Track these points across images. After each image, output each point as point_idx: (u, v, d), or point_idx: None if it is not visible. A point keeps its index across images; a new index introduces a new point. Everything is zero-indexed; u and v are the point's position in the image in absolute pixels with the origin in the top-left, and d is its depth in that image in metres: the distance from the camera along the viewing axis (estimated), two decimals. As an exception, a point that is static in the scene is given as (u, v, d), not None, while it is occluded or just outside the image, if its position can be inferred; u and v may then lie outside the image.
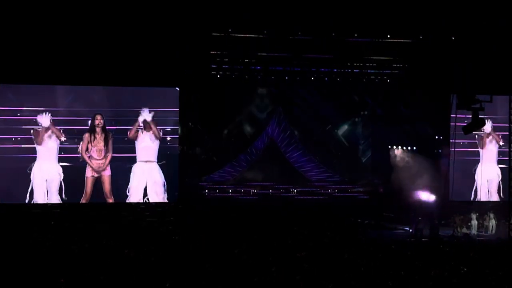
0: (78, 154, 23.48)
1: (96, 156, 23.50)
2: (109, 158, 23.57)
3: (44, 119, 23.14)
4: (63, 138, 23.32)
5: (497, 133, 25.40)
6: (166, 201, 23.93)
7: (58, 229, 20.69)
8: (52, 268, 13.62)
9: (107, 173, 23.65)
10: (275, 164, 27.52)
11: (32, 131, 23.11)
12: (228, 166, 27.31)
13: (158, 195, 23.90)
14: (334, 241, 18.71)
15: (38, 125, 23.14)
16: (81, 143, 23.46)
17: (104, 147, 23.50)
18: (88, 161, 23.47)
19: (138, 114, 23.73)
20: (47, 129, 23.15)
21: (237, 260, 15.03)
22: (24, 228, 20.41)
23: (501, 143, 25.33)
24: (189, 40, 22.87)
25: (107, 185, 23.65)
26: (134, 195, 23.81)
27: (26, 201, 23.02)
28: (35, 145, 23.15)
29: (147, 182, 23.94)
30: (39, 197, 23.22)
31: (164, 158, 24.00)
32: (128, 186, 23.75)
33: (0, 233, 19.17)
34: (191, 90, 24.61)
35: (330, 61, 25.01)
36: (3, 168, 22.90)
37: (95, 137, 23.42)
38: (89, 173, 23.51)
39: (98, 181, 23.66)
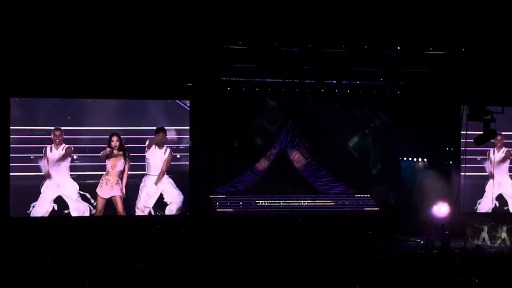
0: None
1: (111, 169, 23.34)
2: (125, 178, 23.41)
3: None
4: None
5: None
6: (176, 213, 23.90)
7: (68, 242, 20.67)
8: (60, 280, 13.63)
9: (118, 194, 23.44)
10: (285, 176, 27.51)
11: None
12: (238, 179, 27.27)
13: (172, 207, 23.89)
14: (345, 252, 18.64)
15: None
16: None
17: (123, 160, 23.34)
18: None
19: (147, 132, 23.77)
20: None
21: (247, 271, 15.01)
22: (34, 241, 20.39)
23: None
24: (200, 53, 22.93)
25: (119, 206, 23.45)
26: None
27: (37, 214, 23.00)
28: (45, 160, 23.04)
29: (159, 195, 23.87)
30: (48, 211, 23.14)
31: (173, 171, 23.99)
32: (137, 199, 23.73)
33: (11, 246, 19.18)
34: (202, 103, 24.64)
35: (340, 73, 24.98)
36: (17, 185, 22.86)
37: (112, 155, 23.28)
38: (99, 191, 23.27)
39: (110, 200, 23.51)
